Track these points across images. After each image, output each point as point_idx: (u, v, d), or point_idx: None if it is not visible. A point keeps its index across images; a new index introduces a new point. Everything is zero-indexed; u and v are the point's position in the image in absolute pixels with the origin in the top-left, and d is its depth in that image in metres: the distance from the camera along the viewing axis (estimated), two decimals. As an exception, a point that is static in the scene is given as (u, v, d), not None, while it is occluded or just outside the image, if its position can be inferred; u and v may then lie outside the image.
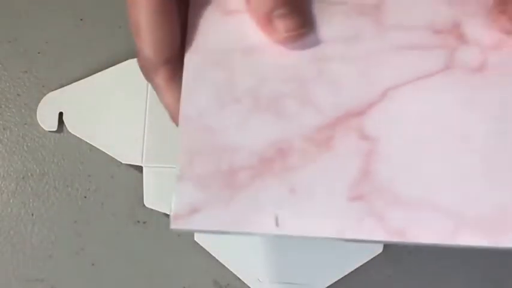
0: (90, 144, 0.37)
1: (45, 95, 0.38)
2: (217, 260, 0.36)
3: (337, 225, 0.23)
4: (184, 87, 0.25)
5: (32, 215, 0.37)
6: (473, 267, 0.36)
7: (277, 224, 0.23)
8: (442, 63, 0.25)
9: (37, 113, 0.38)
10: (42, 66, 0.39)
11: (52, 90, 0.38)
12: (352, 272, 0.35)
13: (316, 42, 0.25)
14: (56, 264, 0.37)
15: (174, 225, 0.23)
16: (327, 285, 0.36)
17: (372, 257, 0.35)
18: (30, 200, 0.37)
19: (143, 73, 0.26)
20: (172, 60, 0.25)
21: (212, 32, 0.26)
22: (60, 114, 0.38)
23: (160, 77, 0.25)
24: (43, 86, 0.39)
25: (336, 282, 0.36)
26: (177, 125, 0.26)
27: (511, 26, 0.24)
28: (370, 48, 0.25)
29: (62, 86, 0.38)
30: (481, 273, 0.37)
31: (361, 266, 0.35)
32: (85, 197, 0.38)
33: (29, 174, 0.38)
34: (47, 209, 0.37)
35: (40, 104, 0.38)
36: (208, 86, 0.25)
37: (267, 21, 0.24)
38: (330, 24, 0.25)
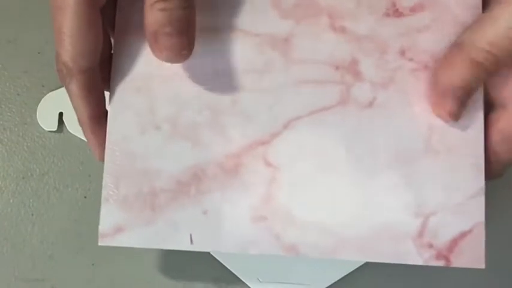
0: (90, 144, 0.38)
1: (45, 95, 0.38)
2: (217, 260, 0.36)
3: (242, 243, 0.26)
4: (110, 113, 0.27)
5: (32, 215, 0.37)
6: (473, 270, 0.36)
7: (191, 242, 0.26)
8: (339, 98, 0.27)
9: (37, 113, 0.38)
10: (42, 66, 0.39)
11: (52, 90, 0.38)
12: (352, 272, 0.35)
13: (231, 72, 0.27)
14: (56, 264, 0.37)
15: (101, 243, 0.27)
16: (326, 285, 0.36)
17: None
18: (30, 200, 0.37)
19: (59, 77, 0.27)
20: (89, 70, 0.26)
21: (135, 58, 0.27)
22: (60, 114, 0.38)
23: (75, 85, 0.26)
24: (43, 86, 0.39)
25: (336, 282, 0.36)
26: (82, 128, 0.28)
27: (448, 118, 0.27)
28: (277, 81, 0.27)
29: (62, 86, 0.38)
30: (481, 272, 0.37)
31: (361, 265, 0.35)
32: (85, 197, 0.38)
33: (29, 174, 0.38)
34: (47, 209, 0.37)
35: (40, 104, 0.38)
36: (131, 112, 0.27)
37: (154, 38, 0.25)
38: (244, 55, 0.27)
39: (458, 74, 0.26)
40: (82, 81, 0.26)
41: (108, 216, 0.27)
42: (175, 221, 0.27)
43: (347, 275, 0.35)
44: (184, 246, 0.27)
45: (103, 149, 0.27)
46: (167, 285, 0.37)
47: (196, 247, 0.27)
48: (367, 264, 0.35)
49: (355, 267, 0.35)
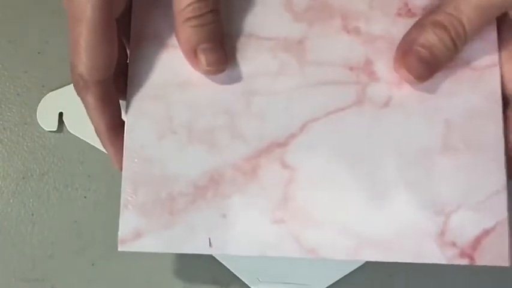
0: (90, 144, 0.38)
1: (45, 95, 0.38)
2: (217, 260, 0.36)
3: (261, 245, 0.26)
4: (127, 121, 0.28)
5: (32, 215, 0.37)
6: (473, 268, 0.36)
7: (210, 245, 0.27)
8: (354, 98, 0.27)
9: (37, 113, 0.38)
10: (42, 66, 0.39)
11: (52, 90, 0.38)
12: (352, 272, 0.35)
13: (246, 77, 0.28)
14: (56, 264, 0.37)
15: (120, 248, 0.27)
16: (326, 285, 0.36)
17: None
18: (30, 200, 0.37)
19: (75, 88, 0.27)
20: (105, 82, 0.26)
21: (151, 66, 0.28)
22: (60, 114, 0.38)
23: (91, 96, 0.27)
24: (43, 86, 0.39)
25: (335, 282, 0.36)
26: (100, 139, 0.28)
27: (409, 77, 0.26)
28: (292, 83, 0.28)
29: (62, 86, 0.38)
30: (481, 273, 0.37)
31: (361, 266, 0.35)
32: (85, 197, 0.38)
33: (29, 174, 0.38)
34: (47, 209, 0.37)
35: (40, 104, 0.38)
36: (148, 119, 0.27)
37: (192, 53, 0.26)
38: (258, 59, 0.28)
39: (423, 33, 0.26)
40: (98, 93, 0.26)
41: (127, 222, 0.27)
42: (193, 225, 0.27)
43: (347, 275, 0.35)
44: (203, 249, 0.27)
45: (121, 158, 0.27)
46: (167, 285, 0.37)
47: (215, 250, 0.27)
48: (367, 264, 0.35)
49: (355, 267, 0.35)
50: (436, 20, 0.26)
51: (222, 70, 0.27)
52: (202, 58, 0.26)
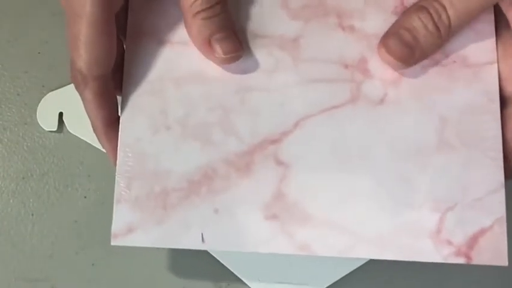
0: (90, 144, 0.37)
1: (45, 95, 0.38)
2: (217, 260, 0.36)
3: (254, 242, 0.26)
4: (122, 116, 0.28)
5: (32, 215, 0.37)
6: (473, 267, 0.36)
7: (203, 241, 0.27)
8: (349, 96, 0.27)
9: (37, 113, 0.38)
10: (42, 66, 0.39)
11: (52, 90, 0.38)
12: (351, 272, 0.35)
13: (241, 73, 0.28)
14: (56, 264, 0.37)
15: (113, 242, 0.27)
16: (326, 285, 0.36)
17: (371, 257, 0.35)
18: (30, 200, 0.37)
19: (74, 84, 0.27)
20: (103, 77, 0.27)
21: (147, 62, 0.28)
22: (60, 114, 0.38)
23: (89, 91, 0.27)
24: (43, 86, 0.39)
25: (336, 282, 0.36)
26: (96, 135, 0.28)
27: (389, 58, 0.27)
28: (287, 80, 0.28)
29: (62, 86, 0.38)
30: (481, 273, 0.37)
31: (362, 266, 0.35)
32: (85, 197, 0.38)
33: (29, 174, 0.38)
34: (47, 209, 0.37)
35: (40, 104, 0.38)
36: (143, 114, 0.28)
37: (207, 45, 0.26)
38: (253, 56, 0.28)
39: (407, 17, 0.26)
40: (96, 88, 0.26)
41: (120, 217, 0.27)
42: (186, 220, 0.27)
43: (347, 274, 0.35)
44: (196, 245, 0.27)
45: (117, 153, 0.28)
46: (167, 285, 0.37)
47: (208, 246, 0.27)
48: (367, 264, 0.35)
49: (355, 267, 0.35)
50: (420, 5, 0.26)
51: (239, 57, 0.27)
52: (217, 48, 0.26)
